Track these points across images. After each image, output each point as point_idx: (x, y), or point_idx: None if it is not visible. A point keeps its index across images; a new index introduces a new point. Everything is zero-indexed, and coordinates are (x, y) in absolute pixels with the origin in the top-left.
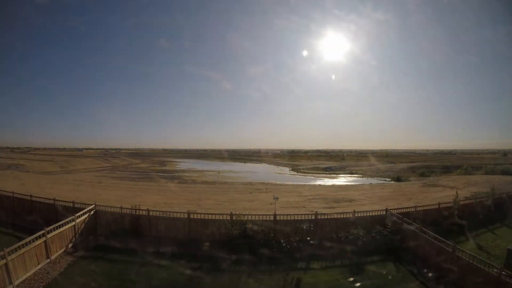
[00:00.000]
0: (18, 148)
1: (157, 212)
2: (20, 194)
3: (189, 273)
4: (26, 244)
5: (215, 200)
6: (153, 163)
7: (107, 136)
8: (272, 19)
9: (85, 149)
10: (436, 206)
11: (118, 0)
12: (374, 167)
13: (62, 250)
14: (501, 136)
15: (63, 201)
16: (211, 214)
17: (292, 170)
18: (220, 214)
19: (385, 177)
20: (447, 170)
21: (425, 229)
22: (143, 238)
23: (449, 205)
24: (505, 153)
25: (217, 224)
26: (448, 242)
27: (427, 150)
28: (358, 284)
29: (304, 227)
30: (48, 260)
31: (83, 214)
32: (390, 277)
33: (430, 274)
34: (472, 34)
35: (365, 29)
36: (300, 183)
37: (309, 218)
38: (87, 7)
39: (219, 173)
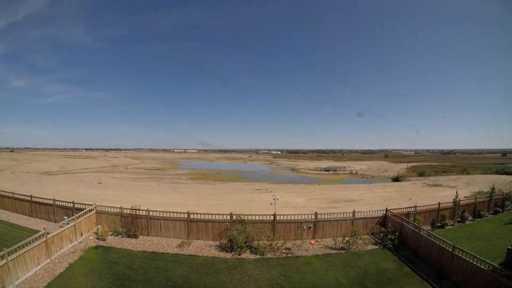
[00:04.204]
0: (18, 148)
1: (157, 213)
2: (20, 194)
3: (189, 273)
4: (26, 244)
5: (215, 200)
6: (153, 163)
7: (107, 136)
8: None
9: (85, 149)
10: (436, 206)
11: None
12: (374, 167)
13: (62, 250)
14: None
15: (63, 201)
16: (211, 214)
17: (292, 170)
18: (220, 214)
19: (385, 177)
20: (447, 170)
21: (425, 229)
22: (143, 239)
23: (449, 205)
24: (505, 153)
25: (217, 225)
26: (448, 242)
27: (427, 150)
28: (358, 283)
29: (305, 227)
30: (49, 260)
31: (83, 214)
32: (390, 276)
33: (430, 273)
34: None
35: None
36: (301, 183)
37: (309, 218)
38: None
39: (219, 173)
